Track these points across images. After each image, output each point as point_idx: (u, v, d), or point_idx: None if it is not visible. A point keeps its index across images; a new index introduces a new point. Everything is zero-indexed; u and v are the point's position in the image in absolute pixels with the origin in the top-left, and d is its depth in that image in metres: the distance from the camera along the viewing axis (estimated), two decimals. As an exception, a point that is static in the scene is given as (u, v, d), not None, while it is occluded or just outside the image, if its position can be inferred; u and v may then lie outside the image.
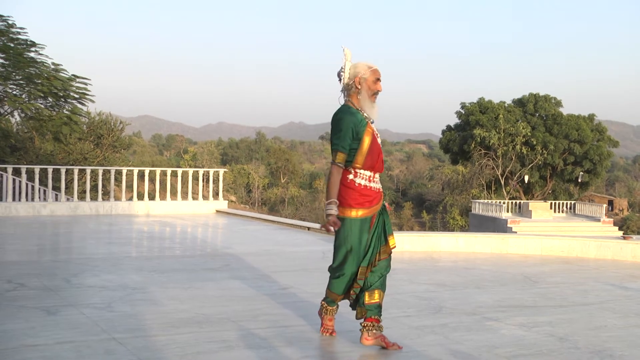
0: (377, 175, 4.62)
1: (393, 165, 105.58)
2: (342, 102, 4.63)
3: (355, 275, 4.56)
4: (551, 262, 9.83)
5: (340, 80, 4.62)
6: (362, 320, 4.58)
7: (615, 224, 40.83)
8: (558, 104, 51.25)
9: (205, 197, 18.62)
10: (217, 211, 17.64)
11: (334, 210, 4.41)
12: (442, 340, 4.87)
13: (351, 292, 4.66)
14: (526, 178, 48.77)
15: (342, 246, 4.53)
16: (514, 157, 48.25)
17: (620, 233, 35.24)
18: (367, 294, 4.55)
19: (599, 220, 38.48)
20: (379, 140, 4.65)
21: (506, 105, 51.28)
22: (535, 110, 50.70)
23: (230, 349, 4.50)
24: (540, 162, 48.61)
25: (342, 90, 4.64)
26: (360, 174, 4.52)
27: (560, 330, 5.41)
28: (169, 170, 18.07)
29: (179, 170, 20.15)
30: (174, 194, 18.19)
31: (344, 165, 4.49)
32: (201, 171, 18.70)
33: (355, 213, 4.49)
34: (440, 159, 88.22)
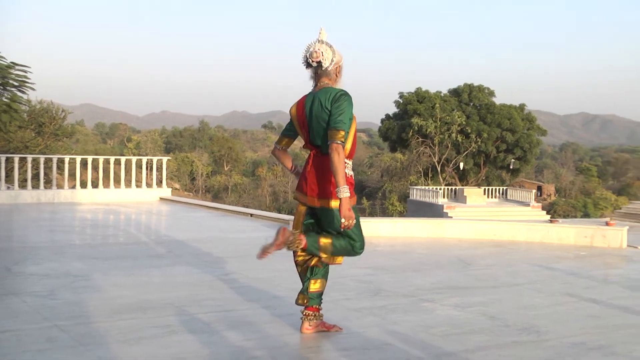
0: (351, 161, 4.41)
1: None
2: (312, 86, 4.39)
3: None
4: (484, 245, 10.04)
5: (309, 62, 4.33)
6: (303, 308, 4.54)
7: (543, 208, 41.89)
8: (491, 94, 52.14)
9: (149, 185, 18.33)
10: (160, 199, 17.40)
11: (348, 193, 4.08)
12: (380, 322, 4.93)
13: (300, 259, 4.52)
14: (461, 165, 49.59)
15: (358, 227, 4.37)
16: (449, 145, 48.96)
17: (548, 217, 36.20)
18: (311, 281, 4.50)
19: (528, 205, 39.44)
20: None
21: (442, 95, 51.93)
22: (470, 100, 51.51)
23: (173, 333, 4.46)
24: (474, 150, 49.45)
25: (315, 74, 4.37)
26: (347, 164, 4.27)
27: (492, 309, 5.54)
28: (112, 159, 17.72)
29: (123, 159, 19.80)
30: (117, 182, 17.85)
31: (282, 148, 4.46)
32: (144, 159, 18.39)
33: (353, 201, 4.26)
34: (380, 146, 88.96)
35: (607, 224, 14.12)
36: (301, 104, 4.40)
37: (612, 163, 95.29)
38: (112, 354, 3.94)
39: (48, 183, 17.75)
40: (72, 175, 17.79)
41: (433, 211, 36.04)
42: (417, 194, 41.12)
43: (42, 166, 16.55)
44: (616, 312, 5.65)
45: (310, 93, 4.40)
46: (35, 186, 16.76)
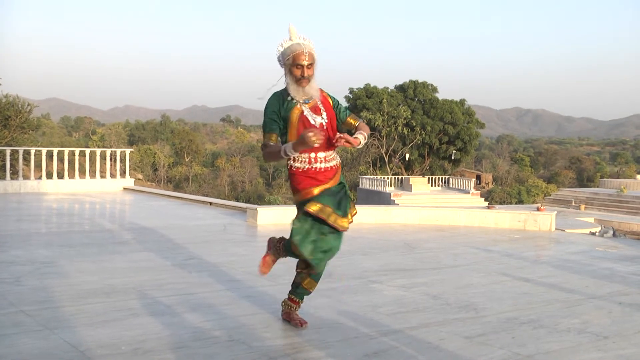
0: (322, 154, 4.02)
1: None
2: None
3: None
4: (428, 230, 10.16)
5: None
6: (286, 298, 4.38)
7: (482, 195, 42.59)
8: (434, 89, 52.63)
9: (112, 176, 18.02)
10: (124, 188, 17.11)
11: (289, 145, 3.81)
12: (332, 303, 4.95)
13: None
14: (407, 156, 50.03)
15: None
16: (396, 137, 49.34)
17: (486, 204, 36.84)
18: (310, 280, 4.30)
19: (468, 193, 40.04)
20: (319, 119, 4.04)
21: (389, 90, 52.20)
22: (415, 95, 51.91)
23: (136, 316, 4.39)
24: (419, 142, 49.93)
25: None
26: (298, 158, 4.00)
27: (434, 289, 5.61)
28: (77, 150, 17.33)
29: (87, 150, 19.36)
30: (82, 172, 17.48)
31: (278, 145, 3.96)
32: (108, 151, 18.07)
33: (304, 194, 4.02)
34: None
35: (538, 209, 14.47)
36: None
37: (543, 154, 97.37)
38: (77, 337, 3.87)
39: (14, 174, 17.26)
40: (38, 166, 17.38)
41: (381, 199, 36.31)
42: (366, 183, 41.35)
43: (8, 158, 16.08)
44: (545, 289, 5.78)
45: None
46: (2, 177, 16.29)
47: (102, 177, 17.66)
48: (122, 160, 18.41)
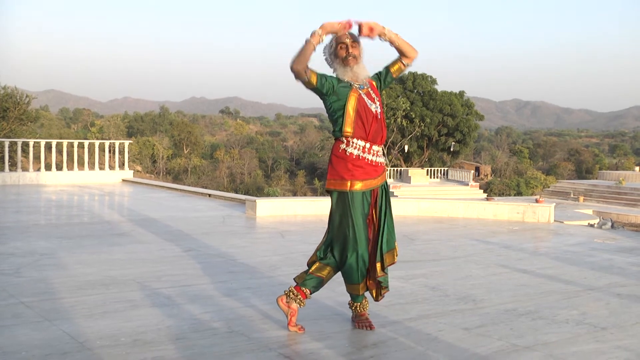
0: (375, 146, 3.96)
1: (287, 137, 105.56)
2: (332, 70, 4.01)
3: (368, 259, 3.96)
4: (426, 222, 10.17)
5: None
6: (294, 285, 4.08)
7: (481, 187, 42.66)
8: (433, 81, 52.56)
9: (111, 168, 18.02)
10: (123, 180, 17.11)
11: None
12: (330, 293, 4.95)
13: (372, 280, 4.02)
14: (406, 148, 50.02)
15: (342, 225, 3.91)
16: (395, 129, 49.28)
17: (485, 195, 36.89)
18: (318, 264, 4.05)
19: (467, 185, 40.10)
20: (374, 107, 3.95)
21: (388, 82, 52.14)
22: (414, 87, 51.82)
23: (135, 307, 4.40)
24: (418, 134, 49.91)
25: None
26: (353, 143, 3.91)
27: (433, 281, 5.62)
28: (76, 142, 17.32)
29: (86, 142, 19.34)
30: (81, 164, 17.47)
31: (309, 70, 3.77)
32: (107, 143, 18.08)
33: (350, 184, 3.89)
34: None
35: (536, 201, 14.47)
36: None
37: (542, 145, 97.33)
38: (77, 328, 3.87)
39: (13, 166, 17.27)
40: (36, 158, 17.37)
41: (380, 190, 36.28)
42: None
43: (6, 149, 16.08)
44: (544, 281, 5.79)
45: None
46: (0, 169, 16.27)
47: (101, 169, 17.65)
48: (121, 152, 18.40)
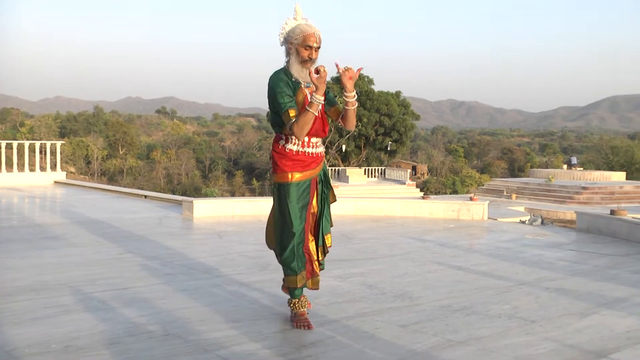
0: (314, 139, 4.09)
1: (225, 137, 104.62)
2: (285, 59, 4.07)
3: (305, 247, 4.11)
4: (364, 221, 10.27)
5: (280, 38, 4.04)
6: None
7: (417, 186, 43.32)
8: (370, 82, 53.03)
9: (42, 169, 17.46)
10: (55, 182, 16.61)
11: (313, 95, 3.80)
12: (269, 294, 4.94)
13: (312, 269, 4.17)
14: (344, 147, 50.29)
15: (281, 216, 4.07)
16: (333, 129, 49.50)
17: (422, 194, 37.47)
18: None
19: (404, 184, 40.61)
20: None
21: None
22: (351, 87, 52.16)
23: (67, 313, 4.28)
24: (355, 133, 50.26)
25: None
26: (292, 139, 4.03)
27: (370, 279, 5.68)
28: (3, 143, 16.70)
29: (15, 143, 18.71)
30: (10, 166, 16.85)
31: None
32: (38, 143, 17.48)
33: (291, 176, 4.02)
34: (268, 130, 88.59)
35: (471, 199, 14.81)
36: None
37: (476, 145, 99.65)
38: (3, 337, 3.74)
39: (-64, 168, 16.50)
40: (-38, 160, 16.63)
41: (318, 190, 36.36)
42: (303, 174, 41.27)
43: None
44: (478, 277, 5.94)
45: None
46: None
47: (31, 170, 17.07)
48: (53, 153, 17.87)
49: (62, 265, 5.95)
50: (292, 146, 4.04)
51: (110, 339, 3.73)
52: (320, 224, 4.23)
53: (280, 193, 4.09)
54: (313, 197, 4.16)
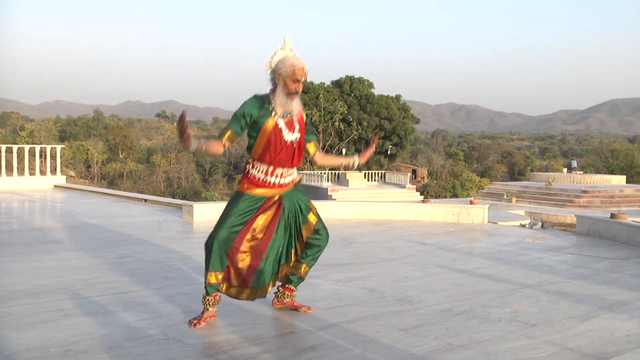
0: (280, 169, 4.16)
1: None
2: (270, 86, 4.17)
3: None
4: (364, 225, 10.27)
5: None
6: (279, 284, 4.53)
7: (417, 189, 43.20)
8: (370, 85, 53.10)
9: (42, 173, 17.46)
10: (55, 186, 16.61)
11: (194, 139, 3.84)
12: (268, 299, 4.93)
13: (228, 276, 4.15)
14: (344, 151, 50.27)
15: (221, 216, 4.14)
16: (333, 133, 49.56)
17: (422, 198, 37.43)
18: (303, 265, 4.42)
19: (404, 187, 40.54)
20: (291, 137, 4.12)
21: (326, 86, 52.36)
22: (351, 90, 52.23)
23: (68, 317, 4.27)
24: (355, 137, 50.30)
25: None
26: (257, 165, 4.14)
27: (370, 283, 5.67)
28: (3, 147, 16.70)
29: (15, 147, 18.71)
30: (10, 170, 16.85)
31: (223, 140, 4.03)
32: (38, 147, 17.48)
33: (246, 187, 4.15)
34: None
35: (471, 202, 14.81)
36: None
37: (476, 148, 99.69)
38: (4, 341, 3.73)
39: (-64, 172, 16.50)
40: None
41: (318, 194, 36.42)
42: (303, 178, 41.31)
43: None
44: (478, 280, 5.93)
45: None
46: None
47: (31, 174, 17.08)
48: (53, 157, 17.87)
49: (61, 269, 5.94)
50: (255, 172, 4.16)
51: (110, 343, 3.72)
52: (279, 251, 4.24)
53: (231, 198, 4.21)
54: (260, 217, 4.15)
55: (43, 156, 17.95)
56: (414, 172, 68.44)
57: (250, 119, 4.05)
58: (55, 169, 17.54)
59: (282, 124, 4.09)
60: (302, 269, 4.41)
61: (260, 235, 4.15)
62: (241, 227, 4.08)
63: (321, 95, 49.25)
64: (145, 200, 13.26)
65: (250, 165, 4.18)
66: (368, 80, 53.14)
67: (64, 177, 17.78)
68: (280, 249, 4.26)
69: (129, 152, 77.95)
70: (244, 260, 4.12)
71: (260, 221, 4.16)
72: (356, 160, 4.51)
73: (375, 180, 44.23)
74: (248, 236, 4.11)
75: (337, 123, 48.80)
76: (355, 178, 41.04)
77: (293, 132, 4.14)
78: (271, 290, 4.35)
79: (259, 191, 4.16)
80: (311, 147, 4.39)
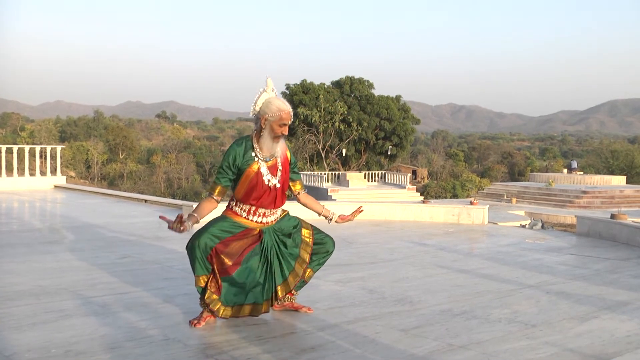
0: (262, 209, 4.19)
1: (225, 141, 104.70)
2: (254, 127, 4.19)
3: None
4: (364, 225, 10.26)
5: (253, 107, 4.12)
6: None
7: (417, 190, 43.21)
8: (370, 86, 53.06)
9: (43, 173, 17.45)
10: (55, 186, 16.61)
11: (189, 219, 4.01)
12: (269, 298, 4.93)
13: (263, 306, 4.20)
14: (344, 152, 50.30)
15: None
16: (333, 133, 49.53)
17: (422, 198, 37.42)
18: (309, 270, 4.52)
19: (404, 188, 40.55)
20: (274, 180, 4.16)
21: (326, 86, 52.32)
22: (351, 91, 52.20)
23: (68, 317, 4.27)
24: (355, 137, 50.27)
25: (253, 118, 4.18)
26: (240, 204, 4.21)
27: (370, 283, 5.68)
28: (3, 147, 16.71)
29: (15, 147, 18.71)
30: (10, 170, 16.86)
31: (214, 196, 4.13)
32: (38, 148, 17.48)
33: (230, 214, 4.24)
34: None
35: (471, 203, 14.80)
36: None
37: (476, 149, 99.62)
38: (4, 341, 3.73)
39: (-63, 172, 16.50)
40: (-38, 164, 16.63)
41: (318, 194, 36.42)
42: (303, 178, 41.37)
43: None
44: (478, 281, 5.93)
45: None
46: None
47: (31, 175, 17.08)
48: (53, 158, 17.87)
49: (62, 270, 5.94)
50: (238, 210, 4.23)
51: (110, 344, 3.72)
52: (274, 269, 4.21)
53: (216, 217, 4.27)
54: (236, 242, 4.13)
55: (43, 157, 17.95)
56: (414, 172, 68.43)
57: (236, 168, 4.11)
58: (56, 170, 17.54)
59: (264, 169, 4.14)
60: (307, 273, 4.46)
61: (232, 256, 4.13)
62: (220, 240, 4.09)
63: (321, 96, 49.24)
64: (146, 200, 13.26)
65: (234, 203, 4.25)
66: (368, 81, 53.11)
67: (64, 177, 17.78)
68: (260, 274, 4.18)
69: (129, 153, 77.97)
70: (223, 264, 4.09)
71: (236, 246, 4.13)
72: (335, 217, 4.65)
73: (375, 181, 44.23)
74: (225, 249, 4.10)
75: (337, 124, 48.77)
76: (355, 178, 41.06)
77: (276, 175, 4.19)
78: (266, 309, 4.26)
79: (241, 221, 4.21)
80: (296, 186, 4.47)
